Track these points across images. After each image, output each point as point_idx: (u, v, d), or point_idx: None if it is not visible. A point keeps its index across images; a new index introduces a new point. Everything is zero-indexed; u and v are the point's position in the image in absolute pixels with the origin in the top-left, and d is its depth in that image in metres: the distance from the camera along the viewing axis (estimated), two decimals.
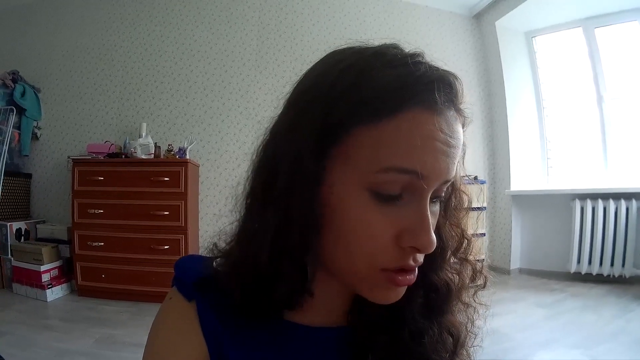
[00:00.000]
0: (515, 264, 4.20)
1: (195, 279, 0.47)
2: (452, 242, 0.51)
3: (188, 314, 0.46)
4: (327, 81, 0.41)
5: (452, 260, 0.52)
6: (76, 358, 2.19)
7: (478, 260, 0.54)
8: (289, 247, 0.41)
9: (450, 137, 0.40)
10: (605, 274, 3.65)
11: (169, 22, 4.11)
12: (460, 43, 4.50)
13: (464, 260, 0.53)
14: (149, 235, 3.21)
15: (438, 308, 0.50)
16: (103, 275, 3.26)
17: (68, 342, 2.39)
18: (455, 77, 0.42)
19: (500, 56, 4.30)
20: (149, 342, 0.46)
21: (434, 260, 0.48)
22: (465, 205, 0.52)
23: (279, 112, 0.47)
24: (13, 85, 3.84)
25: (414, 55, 0.42)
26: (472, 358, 0.55)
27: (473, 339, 0.55)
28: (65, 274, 3.46)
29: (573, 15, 3.99)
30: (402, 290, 0.43)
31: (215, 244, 0.52)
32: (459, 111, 0.42)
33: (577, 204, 3.78)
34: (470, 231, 0.54)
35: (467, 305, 0.54)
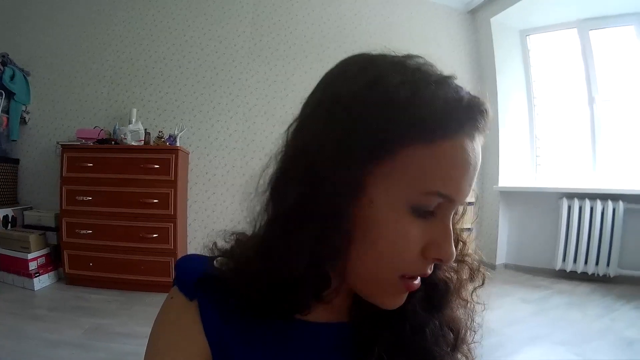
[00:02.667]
0: (501, 259, 4.27)
1: (197, 278, 0.47)
2: None
3: (190, 313, 0.46)
4: (381, 96, 0.40)
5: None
6: (66, 349, 2.17)
7: (475, 260, 0.57)
8: (324, 257, 0.42)
9: (478, 160, 0.43)
10: (590, 272, 3.71)
11: (162, 6, 4.04)
12: (455, 38, 4.50)
13: (461, 261, 0.55)
14: (138, 224, 3.19)
15: (438, 303, 0.52)
16: (91, 264, 3.24)
17: (57, 332, 2.38)
18: (488, 103, 0.44)
19: (493, 52, 4.31)
20: (151, 342, 0.47)
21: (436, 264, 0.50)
22: (460, 211, 0.53)
23: (306, 116, 0.46)
24: (2, 69, 3.75)
25: (451, 77, 0.43)
26: (473, 354, 0.57)
27: (473, 336, 0.57)
28: (53, 262, 3.42)
29: (569, 16, 4.01)
30: (406, 296, 0.46)
31: (215, 243, 0.52)
32: (484, 134, 0.44)
33: (565, 203, 3.83)
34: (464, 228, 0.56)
35: (466, 302, 0.56)
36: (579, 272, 3.76)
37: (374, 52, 0.46)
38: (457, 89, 0.42)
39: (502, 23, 4.32)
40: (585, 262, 3.73)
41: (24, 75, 3.93)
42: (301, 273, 0.41)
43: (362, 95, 0.40)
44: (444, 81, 0.42)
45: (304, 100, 0.49)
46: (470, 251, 0.57)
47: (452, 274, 0.54)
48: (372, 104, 0.40)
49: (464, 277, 0.55)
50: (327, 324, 0.50)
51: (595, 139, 4.00)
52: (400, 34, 4.13)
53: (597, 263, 3.68)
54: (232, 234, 0.53)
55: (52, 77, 4.00)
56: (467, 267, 0.55)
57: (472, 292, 0.56)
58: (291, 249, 0.41)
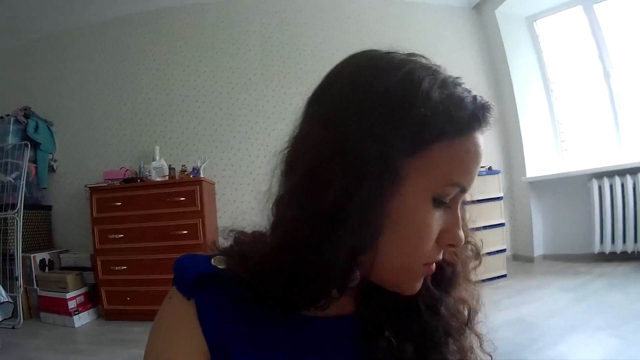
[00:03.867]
0: (538, 250, 4.14)
1: (194, 276, 0.47)
2: None
3: (187, 312, 0.46)
4: (419, 92, 0.41)
5: None
6: None
7: (476, 241, 0.59)
8: (360, 251, 0.43)
9: (482, 154, 0.46)
10: (629, 251, 3.58)
11: (173, 45, 4.19)
12: (463, 36, 4.47)
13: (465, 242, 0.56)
14: (170, 255, 3.19)
15: (447, 282, 0.53)
16: (128, 298, 3.31)
17: None
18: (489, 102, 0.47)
19: (503, 44, 4.26)
20: (149, 342, 0.47)
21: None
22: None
23: (332, 113, 0.44)
24: (25, 121, 3.94)
25: (459, 77, 0.46)
26: (482, 333, 0.57)
27: (478, 314, 0.57)
28: (91, 299, 3.52)
29: None
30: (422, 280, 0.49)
31: (214, 242, 0.53)
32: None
33: (595, 184, 3.71)
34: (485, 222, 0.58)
35: (470, 281, 0.57)
36: (618, 252, 3.62)
37: (385, 49, 0.48)
38: (466, 87, 0.45)
39: (507, 13, 4.27)
40: (624, 241, 3.60)
41: (47, 126, 4.11)
42: (338, 267, 0.42)
43: (403, 92, 0.42)
44: (460, 82, 0.45)
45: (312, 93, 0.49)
46: (470, 232, 0.57)
47: (454, 256, 0.54)
48: (414, 101, 0.41)
49: (468, 257, 0.57)
50: (333, 318, 0.50)
51: (616, 114, 3.88)
52: (407, 40, 4.00)
53: (635, 240, 3.55)
54: (231, 231, 0.53)
55: (75, 124, 4.18)
56: (469, 247, 0.57)
57: (473, 270, 0.58)
58: (331, 244, 0.41)
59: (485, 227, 3.53)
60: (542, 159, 4.24)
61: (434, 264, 0.47)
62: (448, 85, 0.43)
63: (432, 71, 0.44)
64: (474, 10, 4.55)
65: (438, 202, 0.44)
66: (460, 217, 0.47)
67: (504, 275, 3.59)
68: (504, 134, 4.44)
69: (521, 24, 4.37)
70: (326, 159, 0.42)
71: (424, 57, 0.47)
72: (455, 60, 4.26)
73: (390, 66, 0.44)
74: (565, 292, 3.04)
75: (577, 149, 4.22)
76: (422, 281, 0.48)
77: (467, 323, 0.54)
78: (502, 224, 3.67)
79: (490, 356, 0.56)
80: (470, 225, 0.57)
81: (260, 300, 0.45)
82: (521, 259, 4.19)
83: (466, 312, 0.55)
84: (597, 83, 4.00)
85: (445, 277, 0.53)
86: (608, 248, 3.66)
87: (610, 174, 3.65)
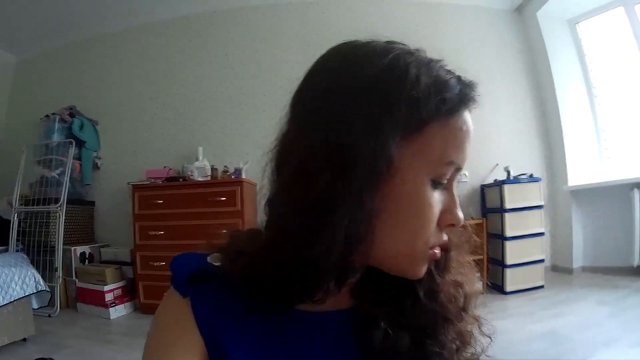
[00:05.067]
0: (577, 262, 4.01)
1: (189, 274, 0.47)
2: None
3: (183, 309, 0.46)
4: (407, 77, 0.42)
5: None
6: None
7: (468, 224, 0.57)
8: (357, 238, 0.41)
9: (472, 130, 0.47)
10: None
11: (217, 48, 4.27)
12: (504, 39, 4.38)
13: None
14: None
15: (441, 267, 0.53)
16: (165, 293, 3.37)
17: (130, 355, 2.49)
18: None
19: (545, 48, 4.15)
20: (148, 340, 0.47)
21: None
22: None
23: (320, 105, 0.44)
24: (71, 120, 4.09)
25: (441, 60, 0.47)
26: (479, 316, 0.56)
27: (475, 298, 0.56)
28: (129, 293, 3.63)
29: None
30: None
31: (209, 240, 0.53)
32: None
33: (637, 194, 3.57)
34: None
35: (465, 265, 0.57)
36: None
37: (364, 40, 0.47)
38: (452, 70, 0.46)
39: (548, 16, 4.16)
40: None
41: (92, 125, 4.27)
42: (332, 259, 0.41)
43: (390, 78, 0.42)
44: (443, 64, 0.46)
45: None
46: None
47: (449, 238, 0.53)
48: (403, 86, 0.41)
49: (462, 241, 0.56)
50: (329, 312, 0.50)
51: None
52: (449, 42, 4.06)
53: None
54: (226, 230, 0.54)
55: (120, 123, 4.34)
56: (461, 230, 0.55)
57: (467, 254, 0.57)
58: (324, 235, 0.40)
59: (524, 236, 3.48)
60: (584, 167, 4.11)
61: (440, 249, 0.47)
62: (433, 67, 0.44)
63: (416, 56, 0.45)
64: (516, 12, 4.44)
65: (436, 183, 0.44)
66: (456, 198, 0.47)
67: (542, 287, 3.51)
68: (546, 141, 4.32)
69: (563, 27, 4.25)
70: (315, 151, 0.41)
71: (402, 44, 0.47)
72: (497, 63, 4.21)
73: (374, 54, 0.44)
74: (602, 305, 2.95)
75: (620, 157, 4.09)
76: (427, 265, 0.48)
77: (464, 307, 0.53)
78: (541, 234, 3.58)
79: (490, 337, 0.56)
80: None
81: (256, 296, 0.45)
82: (560, 270, 4.07)
83: (463, 297, 0.54)
84: None
85: (441, 262, 0.52)
86: None
87: None
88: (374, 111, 0.41)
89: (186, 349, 0.45)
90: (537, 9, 4.14)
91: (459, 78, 0.45)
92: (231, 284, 0.46)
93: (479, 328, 0.55)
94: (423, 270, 0.47)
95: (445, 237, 0.47)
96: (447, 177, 0.45)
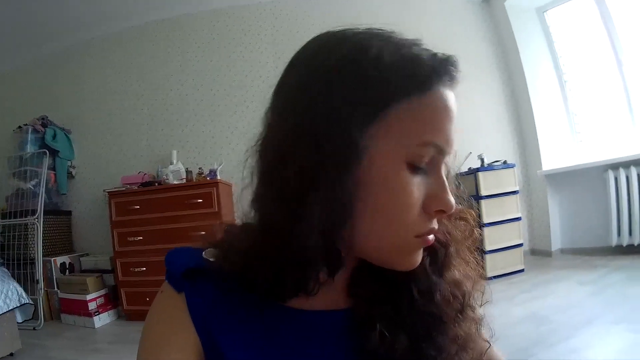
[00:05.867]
0: (556, 245, 4.08)
1: (184, 269, 0.46)
2: None
3: (178, 305, 0.46)
4: (367, 58, 0.41)
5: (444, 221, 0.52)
6: None
7: (472, 217, 0.56)
8: (333, 226, 0.41)
9: (456, 110, 0.44)
10: None
11: (187, 51, 4.26)
12: (473, 29, 4.43)
13: (458, 218, 0.54)
14: None
15: (440, 265, 0.51)
16: (147, 299, 3.34)
17: None
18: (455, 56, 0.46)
19: (514, 37, 4.20)
20: (142, 336, 0.46)
21: None
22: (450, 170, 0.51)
23: (291, 96, 0.45)
24: (43, 130, 4.04)
25: (421, 40, 0.45)
26: (479, 316, 0.54)
27: (478, 297, 0.54)
28: (112, 300, 3.60)
29: None
30: (421, 254, 0.47)
31: (203, 235, 0.53)
32: (457, 84, 0.45)
33: (611, 175, 3.65)
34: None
35: (466, 262, 0.54)
36: (636, 244, 3.55)
37: (339, 28, 0.47)
38: (428, 48, 0.44)
39: (516, 5, 4.22)
40: None
41: (65, 134, 4.21)
42: (313, 246, 0.41)
43: (350, 62, 0.41)
44: (418, 42, 0.44)
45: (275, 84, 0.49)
46: (465, 207, 0.54)
47: (446, 234, 0.52)
48: (361, 69, 0.41)
49: (463, 235, 0.54)
50: (324, 312, 0.49)
51: (630, 103, 3.82)
52: (417, 33, 4.01)
53: None
54: (221, 224, 0.53)
55: (92, 132, 4.29)
56: (464, 224, 0.54)
57: (471, 250, 0.55)
58: (300, 224, 0.40)
59: (501, 222, 3.51)
60: (557, 152, 4.18)
61: (432, 236, 0.45)
62: (403, 46, 0.43)
63: (385, 37, 0.44)
64: (484, 3, 4.49)
65: (414, 167, 0.42)
66: (445, 181, 0.44)
67: (522, 270, 3.56)
68: (518, 127, 4.40)
69: (532, 16, 4.31)
70: (289, 142, 0.42)
71: (379, 29, 0.46)
72: (468, 53, 4.20)
73: (342, 40, 0.44)
74: (582, 285, 3.00)
75: (593, 140, 4.16)
76: (419, 255, 0.46)
77: (463, 309, 0.51)
78: (518, 218, 3.63)
79: (489, 342, 0.54)
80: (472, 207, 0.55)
81: (250, 290, 0.45)
82: (539, 254, 4.14)
83: (462, 297, 0.51)
84: (610, 72, 3.94)
85: (439, 259, 0.51)
86: (626, 240, 3.59)
87: (626, 164, 3.58)
88: (335, 97, 0.41)
89: (182, 345, 0.44)
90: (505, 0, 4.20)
91: (434, 55, 0.43)
92: (225, 279, 0.46)
93: (478, 331, 0.53)
94: (413, 261, 0.45)
95: (434, 225, 0.45)
96: (426, 159, 0.42)
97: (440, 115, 0.42)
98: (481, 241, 3.49)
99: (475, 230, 0.55)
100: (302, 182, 0.40)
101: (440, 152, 0.43)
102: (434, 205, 0.43)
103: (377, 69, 0.40)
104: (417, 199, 0.42)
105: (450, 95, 0.43)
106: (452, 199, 0.44)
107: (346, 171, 0.40)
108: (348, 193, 0.41)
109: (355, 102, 0.40)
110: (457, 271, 0.53)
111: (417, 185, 0.42)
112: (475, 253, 0.56)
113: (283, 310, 0.47)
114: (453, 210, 0.44)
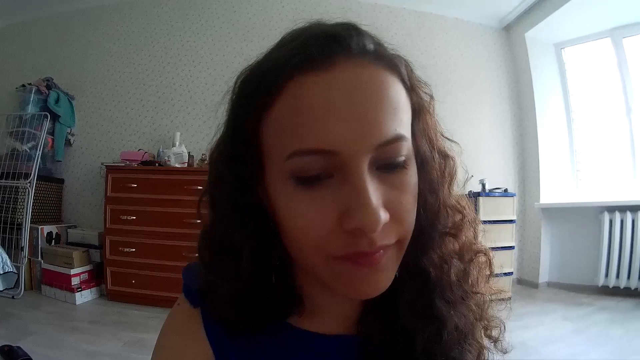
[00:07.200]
0: (544, 277, 4.15)
1: (200, 287, 0.47)
2: (431, 215, 0.44)
3: (194, 319, 0.47)
4: (242, 79, 0.42)
5: (439, 238, 0.46)
6: None
7: (475, 239, 0.50)
8: (261, 230, 0.41)
9: (355, 91, 0.34)
10: (633, 287, 3.58)
11: (202, 33, 4.17)
12: (491, 55, 4.46)
13: (452, 235, 0.47)
14: (181, 243, 3.21)
15: (428, 299, 0.45)
16: (133, 281, 3.30)
17: (96, 344, 2.42)
18: (342, 24, 0.38)
19: (530, 68, 4.26)
20: (158, 345, 0.47)
21: (418, 241, 0.42)
22: (450, 167, 0.46)
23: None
24: (47, 92, 3.93)
25: (317, 25, 0.40)
26: (485, 349, 0.51)
27: (488, 332, 0.52)
28: (95, 278, 3.51)
29: (601, 26, 3.95)
30: (380, 280, 0.38)
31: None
32: (365, 56, 0.36)
33: (606, 217, 3.72)
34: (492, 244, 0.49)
35: (473, 293, 0.49)
36: (622, 287, 3.63)
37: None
38: (304, 30, 0.38)
39: (536, 38, 4.28)
40: (628, 277, 3.60)
41: (68, 99, 4.10)
42: (250, 272, 0.41)
43: (240, 82, 0.42)
44: (295, 34, 0.39)
45: None
46: (475, 228, 0.50)
47: (441, 259, 0.45)
48: (234, 91, 0.42)
49: (481, 267, 0.49)
50: (333, 336, 0.47)
51: (634, 150, 3.90)
52: (438, 56, 4.09)
53: None
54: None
55: (97, 101, 4.17)
56: (464, 243, 0.48)
57: (480, 280, 0.50)
58: (231, 251, 0.41)
59: (495, 249, 3.50)
60: (557, 187, 4.25)
61: (379, 251, 0.36)
62: (303, 31, 0.38)
63: (302, 28, 0.40)
64: (504, 31, 4.54)
65: (304, 179, 0.35)
66: (363, 192, 0.33)
67: (509, 299, 3.59)
68: (522, 157, 4.45)
69: (549, 50, 4.37)
70: (220, 142, 0.44)
71: (320, 21, 0.41)
72: (481, 77, 4.29)
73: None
74: (567, 321, 3.05)
75: (593, 180, 4.23)
76: (370, 279, 0.37)
77: (463, 348, 0.46)
78: (512, 247, 3.68)
79: None
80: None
81: (256, 311, 0.44)
82: (525, 284, 4.20)
83: (461, 334, 0.46)
84: (618, 117, 4.01)
85: (427, 290, 0.45)
86: (612, 282, 3.67)
87: (623, 208, 3.66)
88: (240, 103, 0.41)
89: (195, 356, 0.45)
90: (526, 30, 4.25)
91: (287, 44, 0.37)
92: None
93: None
94: (355, 287, 0.37)
95: (365, 247, 0.35)
96: (313, 169, 0.34)
97: (298, 113, 0.34)
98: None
99: (491, 263, 0.52)
100: (221, 185, 0.42)
101: (329, 154, 0.33)
102: (347, 222, 0.34)
103: (270, 61, 0.38)
104: (315, 216, 0.35)
105: (316, 80, 0.34)
106: (368, 213, 0.33)
107: (251, 177, 0.41)
108: (256, 202, 0.41)
109: (248, 101, 0.39)
110: (460, 303, 0.47)
111: (314, 200, 0.35)
112: (492, 290, 0.53)
113: (290, 329, 0.47)
114: (376, 229, 0.33)
